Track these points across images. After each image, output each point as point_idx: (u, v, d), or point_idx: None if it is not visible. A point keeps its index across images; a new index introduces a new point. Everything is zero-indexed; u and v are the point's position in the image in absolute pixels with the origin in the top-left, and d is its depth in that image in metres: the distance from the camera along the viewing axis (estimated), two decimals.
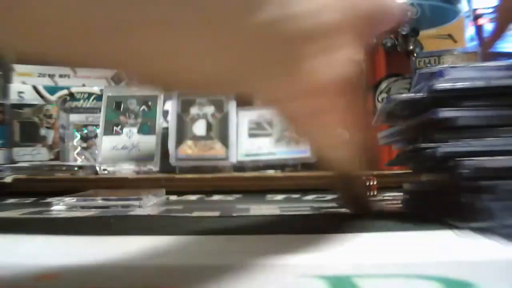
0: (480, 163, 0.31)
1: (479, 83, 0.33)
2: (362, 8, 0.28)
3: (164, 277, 0.22)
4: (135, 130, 0.87)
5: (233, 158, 0.86)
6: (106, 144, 0.85)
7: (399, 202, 0.50)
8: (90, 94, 1.01)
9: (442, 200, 0.35)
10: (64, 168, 0.82)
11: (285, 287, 0.20)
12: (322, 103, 0.28)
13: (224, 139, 0.86)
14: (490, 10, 1.04)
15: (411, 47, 0.83)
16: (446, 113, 0.33)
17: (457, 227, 0.31)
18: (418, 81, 0.37)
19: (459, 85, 0.33)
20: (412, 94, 0.35)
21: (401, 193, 0.44)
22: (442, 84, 0.33)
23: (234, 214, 0.44)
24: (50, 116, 0.95)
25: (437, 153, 0.33)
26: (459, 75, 0.34)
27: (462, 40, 1.06)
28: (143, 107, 0.89)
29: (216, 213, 0.44)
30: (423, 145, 0.34)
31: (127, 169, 0.82)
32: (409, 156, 0.40)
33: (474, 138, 0.33)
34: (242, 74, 0.26)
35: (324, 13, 0.26)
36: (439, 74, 0.34)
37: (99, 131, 0.88)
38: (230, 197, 0.61)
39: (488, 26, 1.08)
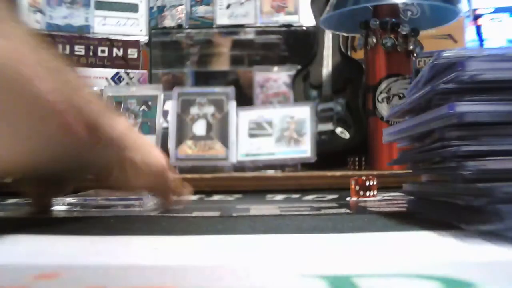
0: (483, 164, 0.29)
1: (505, 75, 0.29)
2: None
3: (164, 277, 0.22)
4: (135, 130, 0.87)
5: (233, 158, 0.86)
6: None
7: (400, 202, 0.50)
8: None
9: (449, 201, 0.34)
10: None
11: (285, 287, 0.20)
12: None
13: (224, 139, 0.86)
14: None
15: (411, 47, 0.83)
16: (465, 107, 0.29)
17: (463, 229, 0.31)
18: (428, 74, 0.34)
19: (481, 77, 0.29)
20: (428, 89, 0.33)
21: (401, 193, 0.44)
22: (461, 76, 0.30)
23: (234, 214, 0.44)
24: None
25: (459, 152, 0.29)
26: (480, 66, 0.30)
27: (462, 40, 1.06)
28: (143, 107, 0.89)
29: (216, 213, 0.44)
30: (441, 143, 0.32)
31: None
32: (415, 155, 0.39)
33: (497, 136, 0.30)
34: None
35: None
36: (459, 65, 0.30)
37: None
38: (230, 197, 0.61)
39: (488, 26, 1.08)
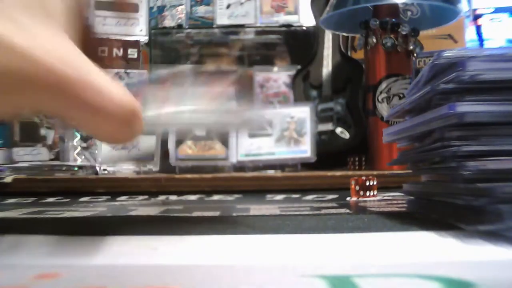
0: (483, 164, 0.29)
1: (505, 75, 0.29)
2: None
3: (164, 277, 0.22)
4: None
5: (233, 158, 0.86)
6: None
7: (400, 202, 0.50)
8: None
9: (448, 201, 0.34)
10: (64, 168, 0.82)
11: (285, 287, 0.20)
12: None
13: (224, 139, 0.86)
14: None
15: (411, 47, 0.83)
16: (466, 107, 0.29)
17: (463, 229, 0.30)
18: (428, 74, 0.34)
19: (481, 77, 0.29)
20: (428, 89, 0.32)
21: (401, 193, 0.44)
22: (461, 76, 0.30)
23: (234, 214, 0.44)
24: (50, 116, 0.95)
25: (459, 152, 0.29)
26: (480, 66, 0.29)
27: (462, 40, 1.06)
28: None
29: (216, 213, 0.44)
30: (441, 143, 0.31)
31: (127, 169, 0.82)
32: (415, 155, 0.39)
33: (497, 136, 0.29)
34: None
35: None
36: (460, 65, 0.30)
37: None
38: (230, 197, 0.61)
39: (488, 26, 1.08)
